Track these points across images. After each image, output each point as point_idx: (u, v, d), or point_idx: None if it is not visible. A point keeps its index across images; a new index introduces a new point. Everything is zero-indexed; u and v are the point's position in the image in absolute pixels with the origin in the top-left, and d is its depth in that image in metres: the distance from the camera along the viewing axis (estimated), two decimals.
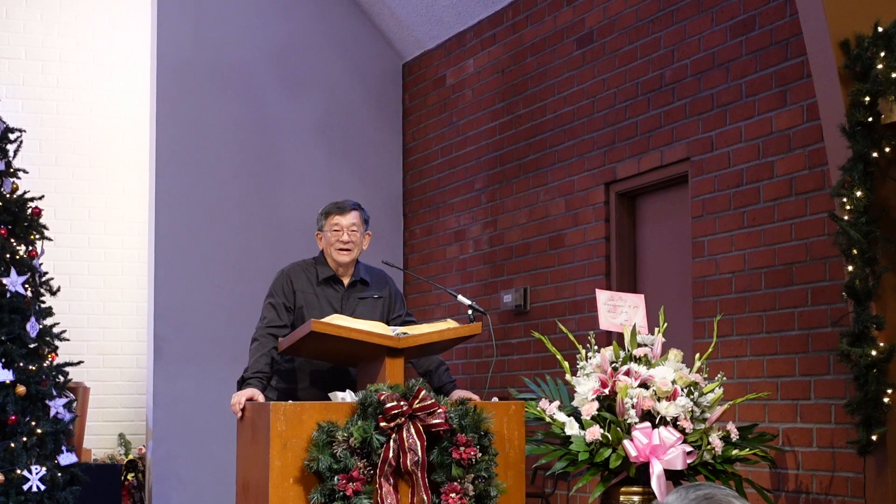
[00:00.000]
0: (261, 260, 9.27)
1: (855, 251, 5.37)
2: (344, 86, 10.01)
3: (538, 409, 5.67)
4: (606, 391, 5.52)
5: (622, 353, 5.66)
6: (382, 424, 5.00)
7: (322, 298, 5.75)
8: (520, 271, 8.46)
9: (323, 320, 5.30)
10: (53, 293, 7.39)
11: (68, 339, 7.46)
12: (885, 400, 5.32)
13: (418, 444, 5.02)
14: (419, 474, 5.02)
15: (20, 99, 10.38)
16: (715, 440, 5.48)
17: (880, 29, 5.41)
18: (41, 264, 7.35)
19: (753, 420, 6.24)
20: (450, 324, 5.54)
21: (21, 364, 6.98)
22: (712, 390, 5.58)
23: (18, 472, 6.82)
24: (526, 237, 8.41)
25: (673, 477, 5.48)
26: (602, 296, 5.96)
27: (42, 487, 6.88)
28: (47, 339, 7.23)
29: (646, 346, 5.69)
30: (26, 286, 7.14)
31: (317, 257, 5.87)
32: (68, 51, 10.64)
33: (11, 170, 7.31)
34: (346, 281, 5.81)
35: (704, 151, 6.79)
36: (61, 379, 7.26)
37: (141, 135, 10.32)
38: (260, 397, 5.40)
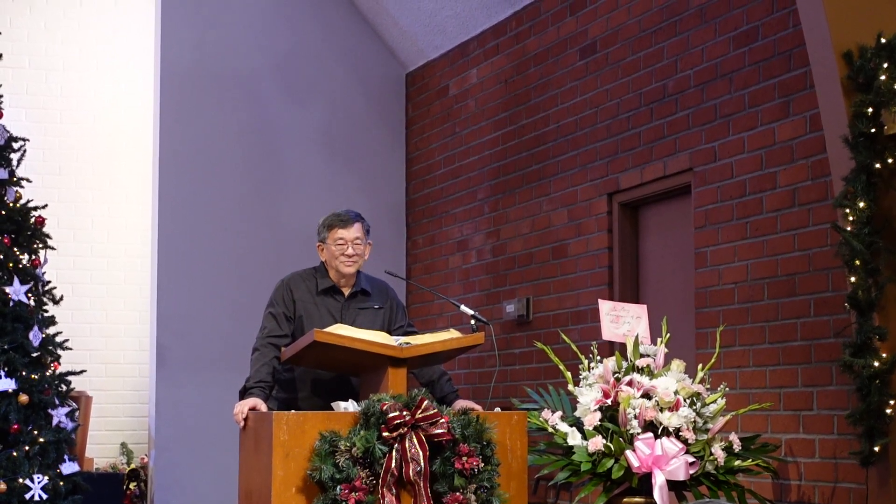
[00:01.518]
0: (263, 268, 9.27)
1: (857, 262, 5.37)
2: (347, 95, 10.02)
3: (540, 419, 5.67)
4: (609, 401, 5.52)
5: (625, 364, 5.66)
6: (385, 434, 5.00)
7: (322, 308, 5.76)
8: (522, 281, 8.46)
9: (325, 330, 5.30)
10: (56, 302, 7.40)
11: (71, 348, 7.47)
12: (888, 411, 5.32)
13: (421, 454, 5.02)
14: (422, 484, 5.02)
15: (23, 108, 10.40)
16: (717, 451, 5.48)
17: (883, 40, 5.42)
18: (44, 273, 7.36)
19: (756, 431, 6.23)
20: (452, 333, 5.54)
21: (24, 373, 6.99)
22: (715, 401, 5.58)
23: (21, 481, 6.83)
24: (528, 247, 8.42)
25: (675, 487, 5.48)
26: (605, 306, 5.96)
27: (44, 496, 6.88)
28: (50, 347, 7.24)
29: (648, 356, 5.69)
30: (29, 295, 7.15)
31: (317, 267, 5.87)
32: (71, 59, 10.66)
33: (15, 179, 7.32)
34: (346, 291, 5.81)
35: (707, 162, 6.80)
36: (64, 388, 7.27)
37: (144, 143, 10.34)
38: (262, 406, 5.41)
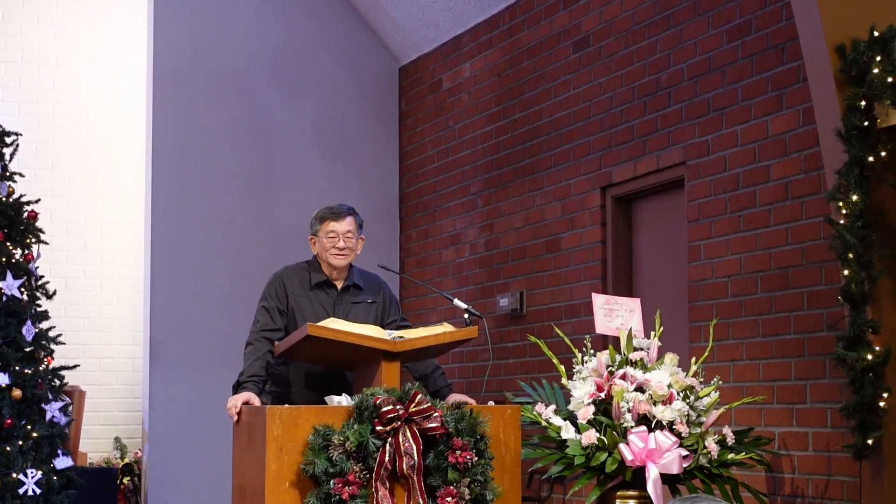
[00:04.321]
0: (257, 264, 9.24)
1: (851, 255, 5.37)
2: (340, 89, 10.01)
3: (534, 412, 5.67)
4: (602, 395, 5.52)
5: (618, 357, 5.67)
6: (378, 428, 5.00)
7: (315, 302, 5.75)
8: (516, 275, 8.46)
9: (319, 324, 5.30)
10: (49, 297, 7.39)
11: (64, 343, 7.46)
12: (881, 404, 5.33)
13: (414, 447, 5.02)
14: (415, 478, 5.02)
15: (16, 102, 10.38)
16: (711, 444, 5.48)
17: (876, 33, 5.42)
18: (37, 268, 7.35)
19: (749, 424, 6.24)
20: (446, 327, 5.54)
21: (17, 368, 6.98)
22: (708, 394, 5.58)
23: (14, 475, 6.82)
24: (522, 241, 8.42)
25: (669, 481, 5.48)
26: (598, 300, 5.96)
27: (38, 491, 6.88)
28: (43, 342, 7.23)
29: (642, 349, 5.70)
30: (22, 290, 7.14)
31: (310, 261, 5.87)
32: (65, 54, 10.64)
33: (7, 173, 7.31)
34: (339, 285, 5.81)
35: (700, 155, 6.80)
36: (57, 382, 7.26)
37: (137, 138, 10.31)
38: (256, 401, 5.40)
